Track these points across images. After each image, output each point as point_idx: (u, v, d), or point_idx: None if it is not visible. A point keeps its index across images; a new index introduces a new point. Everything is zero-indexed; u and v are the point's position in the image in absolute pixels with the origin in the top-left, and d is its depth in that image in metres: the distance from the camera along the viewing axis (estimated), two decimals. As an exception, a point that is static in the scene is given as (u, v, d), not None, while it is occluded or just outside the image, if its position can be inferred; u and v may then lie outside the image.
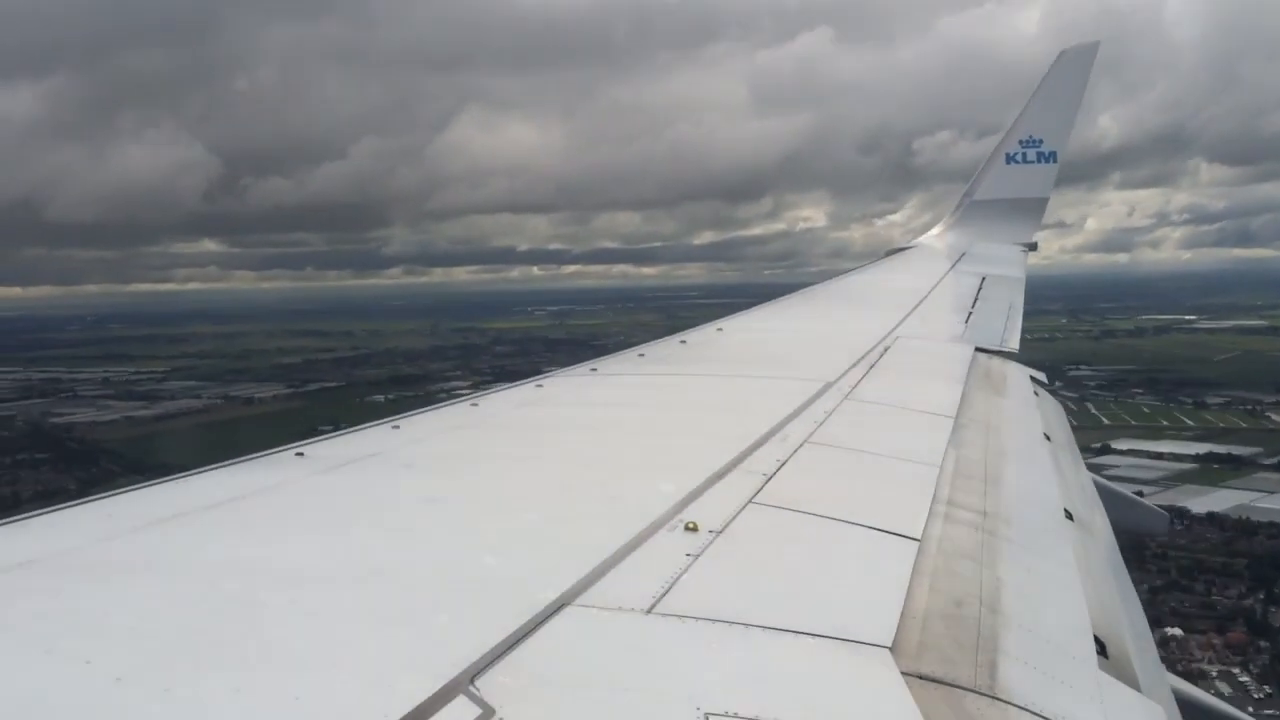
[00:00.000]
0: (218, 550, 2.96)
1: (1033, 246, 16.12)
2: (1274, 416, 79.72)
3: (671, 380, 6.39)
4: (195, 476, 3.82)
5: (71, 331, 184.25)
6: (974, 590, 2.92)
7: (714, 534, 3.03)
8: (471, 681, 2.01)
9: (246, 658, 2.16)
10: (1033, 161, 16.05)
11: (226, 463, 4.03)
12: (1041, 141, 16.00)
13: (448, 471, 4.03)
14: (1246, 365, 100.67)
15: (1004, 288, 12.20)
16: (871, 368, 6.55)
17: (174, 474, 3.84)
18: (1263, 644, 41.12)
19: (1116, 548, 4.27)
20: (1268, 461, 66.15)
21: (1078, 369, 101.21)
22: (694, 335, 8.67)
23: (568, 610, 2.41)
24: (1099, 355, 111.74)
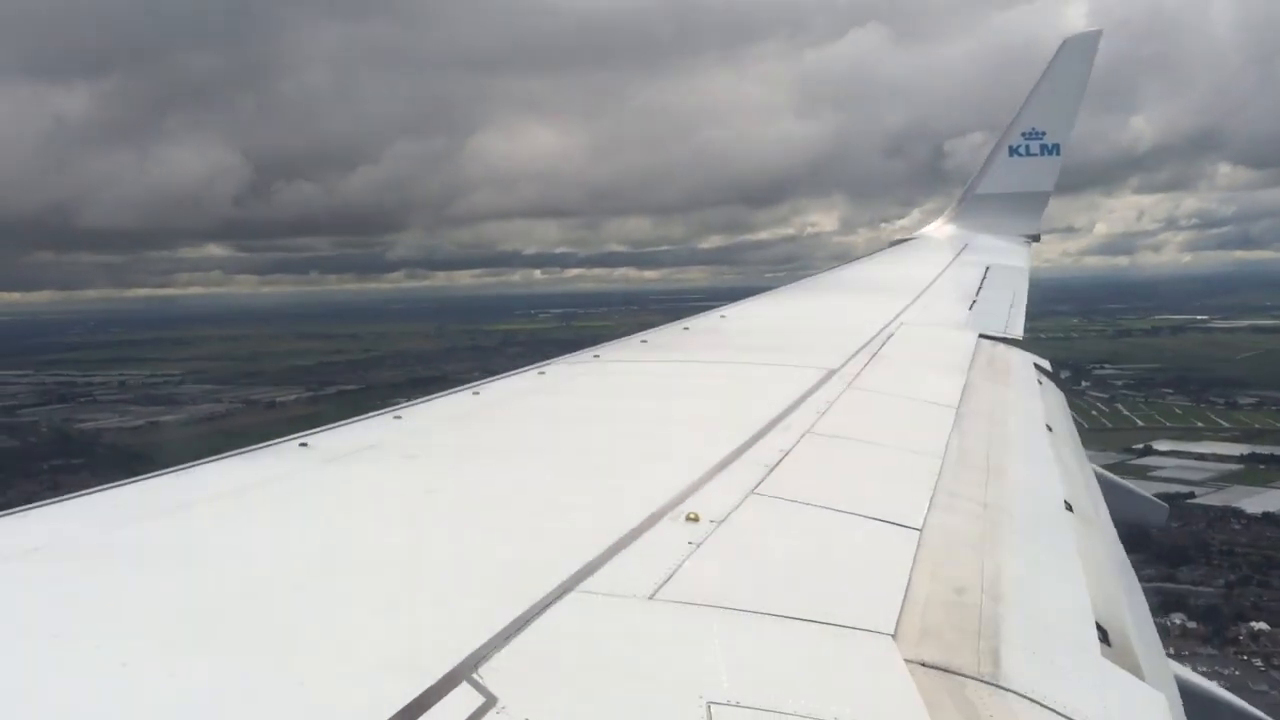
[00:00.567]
0: (222, 539, 2.97)
1: (1035, 238, 16.09)
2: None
3: (674, 368, 6.39)
4: (200, 466, 3.83)
5: (74, 336, 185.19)
6: (975, 579, 2.93)
7: (715, 523, 3.04)
8: (474, 669, 2.02)
9: (250, 645, 2.17)
10: (1035, 154, 15.99)
11: (231, 453, 4.04)
12: (1044, 134, 15.94)
13: (450, 460, 4.03)
14: (1271, 364, 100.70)
15: (1008, 277, 12.19)
16: (874, 355, 6.54)
17: (180, 464, 3.85)
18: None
19: (1117, 537, 4.27)
20: (1313, 462, 66.75)
21: (1102, 368, 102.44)
22: (697, 322, 8.66)
23: (570, 597, 2.42)
24: (1120, 355, 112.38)
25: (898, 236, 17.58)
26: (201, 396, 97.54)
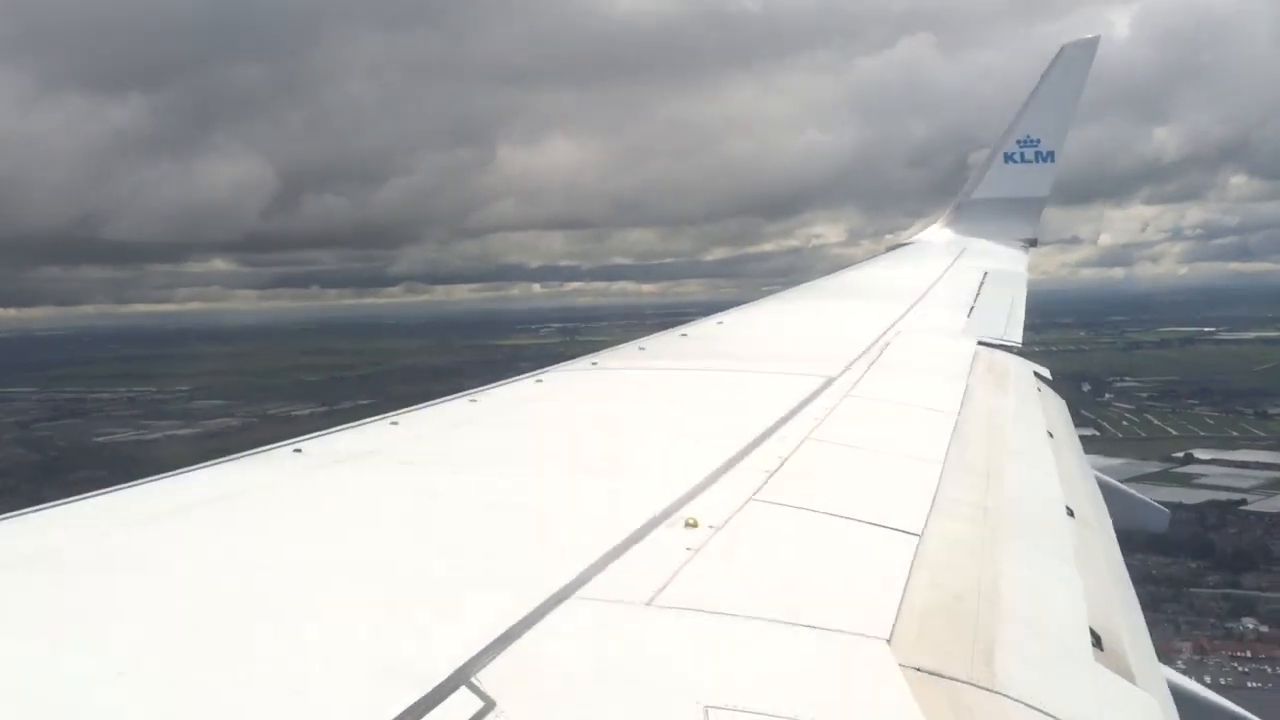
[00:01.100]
0: (217, 545, 2.97)
1: (1033, 242, 16.12)
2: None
3: (672, 375, 6.40)
4: (194, 472, 3.82)
5: (73, 351, 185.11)
6: (972, 585, 2.94)
7: (714, 529, 3.05)
8: (472, 674, 2.03)
9: (246, 652, 2.17)
10: (1030, 161, 16.05)
11: (225, 459, 4.03)
12: (1039, 141, 15.99)
13: (447, 467, 4.03)
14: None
15: (1006, 283, 12.21)
16: (873, 362, 6.55)
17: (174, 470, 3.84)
18: None
19: (1116, 543, 4.28)
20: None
21: (1122, 380, 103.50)
22: (695, 329, 8.67)
23: (568, 603, 2.43)
24: (1136, 367, 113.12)
25: (895, 242, 17.61)
26: (214, 411, 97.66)
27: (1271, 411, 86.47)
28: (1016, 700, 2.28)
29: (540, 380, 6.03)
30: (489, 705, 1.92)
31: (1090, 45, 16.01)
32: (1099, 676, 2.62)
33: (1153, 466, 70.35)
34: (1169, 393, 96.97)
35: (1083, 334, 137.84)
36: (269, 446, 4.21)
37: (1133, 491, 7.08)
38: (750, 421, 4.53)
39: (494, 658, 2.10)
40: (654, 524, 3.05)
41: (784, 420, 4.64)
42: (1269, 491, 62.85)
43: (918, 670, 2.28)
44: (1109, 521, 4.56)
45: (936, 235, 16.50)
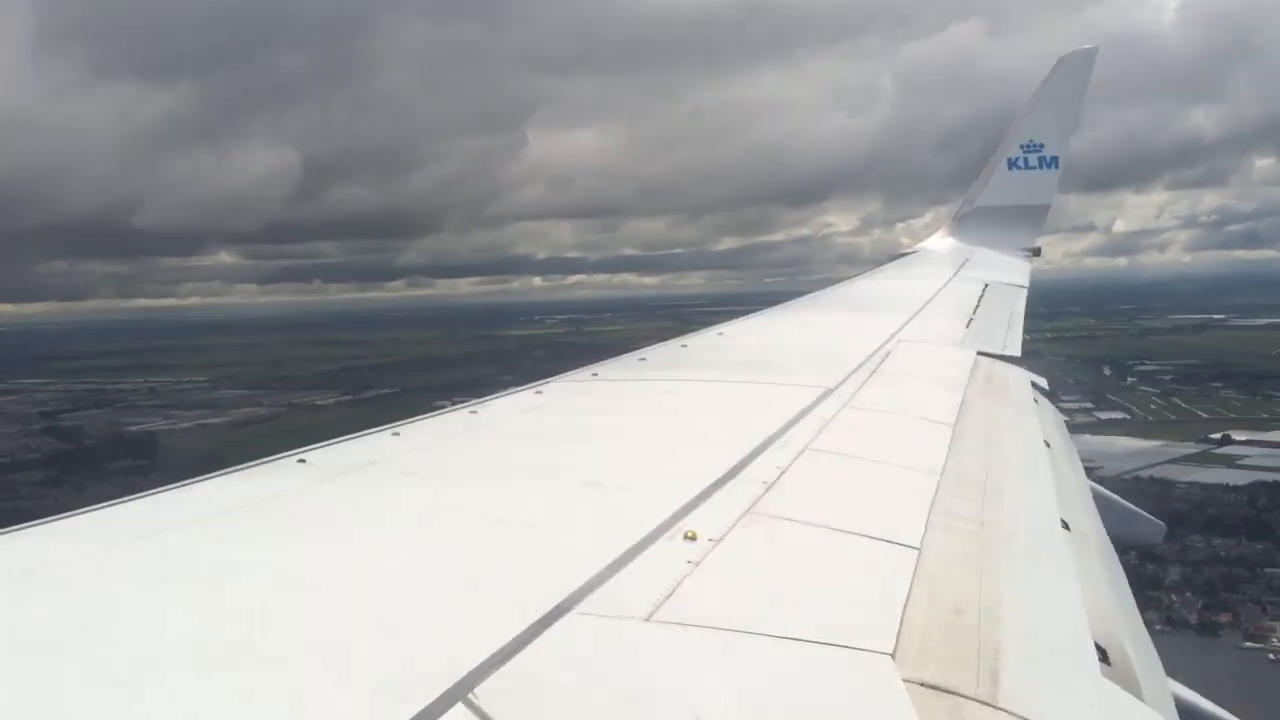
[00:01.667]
0: (219, 557, 2.96)
1: (1036, 252, 16.12)
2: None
3: (672, 385, 6.40)
4: (198, 484, 3.83)
5: (80, 345, 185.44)
6: (974, 598, 2.92)
7: (713, 542, 3.03)
8: (469, 690, 2.01)
9: (246, 665, 2.16)
10: (1034, 167, 16.03)
11: (229, 470, 4.04)
12: (1043, 146, 15.98)
13: (448, 479, 4.03)
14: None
15: (1006, 295, 12.22)
16: (873, 373, 6.56)
17: (180, 480, 3.85)
18: None
19: (1115, 555, 4.27)
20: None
21: (1143, 364, 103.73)
22: (695, 340, 8.69)
23: (566, 618, 2.41)
24: (1153, 351, 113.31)
25: (900, 251, 17.62)
26: (240, 401, 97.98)
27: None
28: (1022, 717, 2.26)
29: (540, 391, 6.03)
30: None
31: (1088, 55, 16.04)
32: (1106, 692, 2.60)
33: (1189, 448, 70.60)
34: (1192, 376, 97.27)
35: (1094, 321, 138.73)
36: (272, 458, 4.23)
37: (1127, 504, 7.08)
38: (749, 432, 4.53)
39: (491, 674, 2.09)
40: (653, 537, 3.04)
41: (783, 431, 4.63)
42: (1311, 472, 62.91)
43: (922, 685, 2.26)
44: (1105, 534, 4.56)
45: (939, 244, 16.51)
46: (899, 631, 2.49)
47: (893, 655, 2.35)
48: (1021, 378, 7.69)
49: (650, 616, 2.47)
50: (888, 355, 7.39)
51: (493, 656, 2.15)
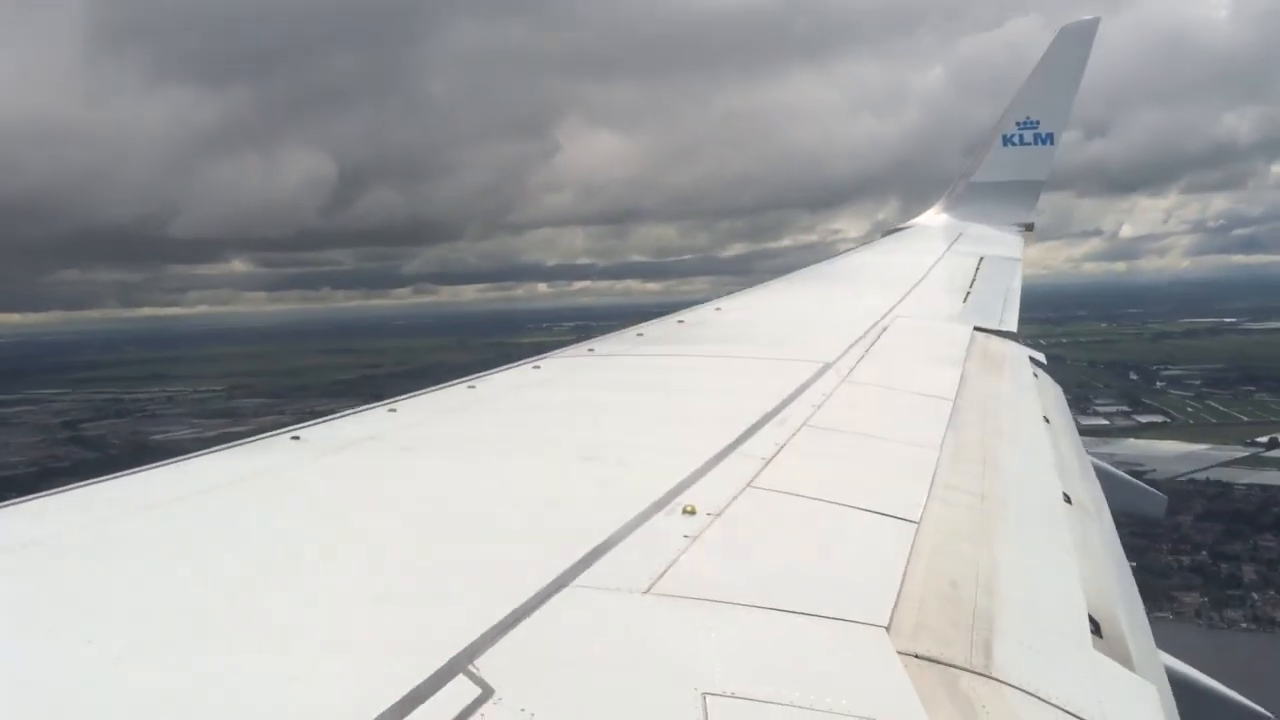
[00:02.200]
0: (216, 531, 2.97)
1: (1030, 226, 16.06)
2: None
3: (669, 361, 6.40)
4: (193, 459, 3.83)
5: (88, 355, 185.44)
6: (970, 572, 2.94)
7: (712, 517, 3.05)
8: (471, 661, 2.02)
9: (244, 639, 2.17)
10: (1030, 143, 15.93)
11: (223, 446, 4.04)
12: (1039, 123, 15.88)
13: (445, 454, 4.03)
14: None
15: (1002, 268, 12.19)
16: (870, 348, 6.55)
17: (174, 457, 3.85)
18: None
19: (1114, 529, 4.29)
20: None
21: (1168, 368, 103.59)
22: (692, 315, 8.66)
23: (566, 591, 2.43)
24: (1175, 356, 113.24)
25: (894, 226, 17.55)
26: (261, 409, 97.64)
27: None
28: (1015, 687, 2.29)
29: (538, 366, 6.03)
30: (487, 692, 1.92)
31: (1089, 26, 15.89)
32: (1098, 663, 2.62)
33: (1237, 450, 70.81)
34: (1221, 380, 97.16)
35: (1105, 325, 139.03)
36: (266, 434, 4.22)
37: (1129, 478, 7.09)
38: (747, 407, 4.53)
39: (492, 645, 2.11)
40: (652, 511, 3.05)
41: (781, 406, 4.63)
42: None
43: (916, 657, 2.28)
44: (1106, 508, 4.57)
45: (933, 219, 16.44)
46: (895, 604, 2.51)
47: (887, 628, 2.37)
48: (1019, 353, 7.69)
49: (649, 589, 2.48)
50: (885, 330, 7.38)
51: (493, 628, 2.17)
